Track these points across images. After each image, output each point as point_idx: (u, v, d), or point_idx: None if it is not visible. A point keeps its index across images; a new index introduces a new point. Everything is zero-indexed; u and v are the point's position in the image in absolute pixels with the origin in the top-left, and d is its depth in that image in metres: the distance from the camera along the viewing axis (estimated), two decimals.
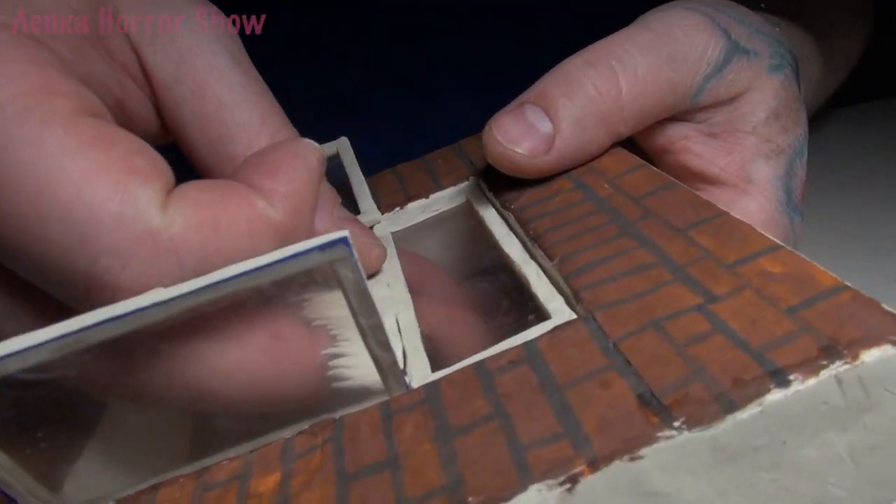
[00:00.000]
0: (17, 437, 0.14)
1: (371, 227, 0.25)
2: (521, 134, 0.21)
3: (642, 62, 0.22)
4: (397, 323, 0.19)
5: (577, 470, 0.12)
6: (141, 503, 0.15)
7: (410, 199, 0.26)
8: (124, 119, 0.20)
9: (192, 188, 0.16)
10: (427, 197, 0.26)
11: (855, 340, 0.12)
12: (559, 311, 0.17)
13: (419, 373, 0.17)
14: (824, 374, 0.12)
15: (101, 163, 0.14)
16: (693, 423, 0.12)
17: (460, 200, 0.25)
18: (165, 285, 0.14)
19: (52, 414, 0.15)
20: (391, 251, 0.23)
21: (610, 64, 0.22)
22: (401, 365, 0.16)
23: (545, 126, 0.21)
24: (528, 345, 0.15)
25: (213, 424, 0.16)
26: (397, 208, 0.26)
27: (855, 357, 0.12)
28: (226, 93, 0.20)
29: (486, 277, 0.24)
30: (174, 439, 0.17)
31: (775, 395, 0.12)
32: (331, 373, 0.16)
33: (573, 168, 0.22)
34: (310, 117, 0.24)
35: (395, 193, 0.27)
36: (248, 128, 0.20)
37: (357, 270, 0.13)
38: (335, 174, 0.28)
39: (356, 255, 0.13)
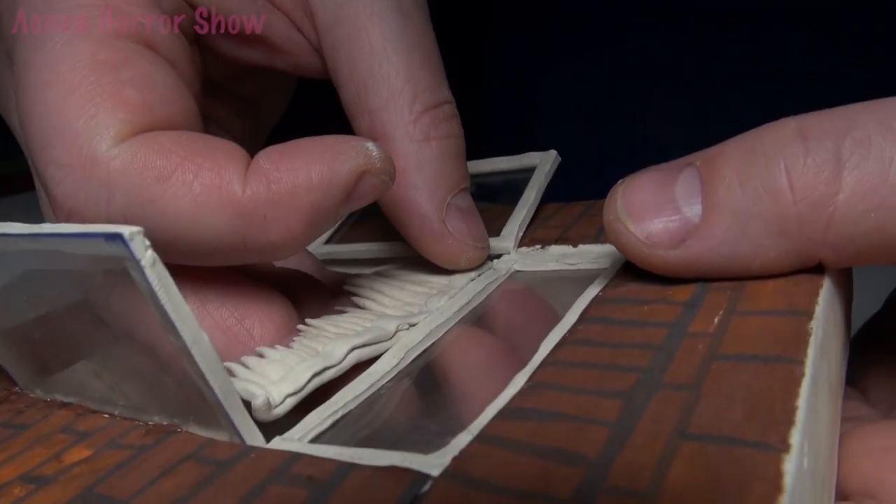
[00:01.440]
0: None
1: (497, 257, 0.21)
2: (651, 208, 0.15)
3: None
4: (346, 353, 0.15)
5: None
6: (41, 413, 0.16)
7: (560, 240, 0.21)
8: (266, 50, 0.20)
9: (171, 136, 0.15)
10: (575, 245, 0.21)
11: None
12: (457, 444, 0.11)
13: (300, 433, 0.14)
14: None
15: (94, 83, 0.15)
16: None
17: (605, 263, 0.19)
18: (90, 215, 0.15)
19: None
20: (490, 283, 0.19)
21: (837, 145, 0.13)
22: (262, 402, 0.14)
23: (691, 208, 0.14)
24: (343, 469, 0.11)
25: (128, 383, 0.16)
26: (538, 246, 0.21)
27: None
28: (380, 41, 0.18)
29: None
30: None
31: None
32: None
33: (717, 279, 0.15)
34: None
35: (556, 229, 0.22)
36: (390, 81, 0.18)
37: (145, 278, 0.11)
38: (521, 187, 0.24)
39: (144, 258, 0.11)
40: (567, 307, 0.16)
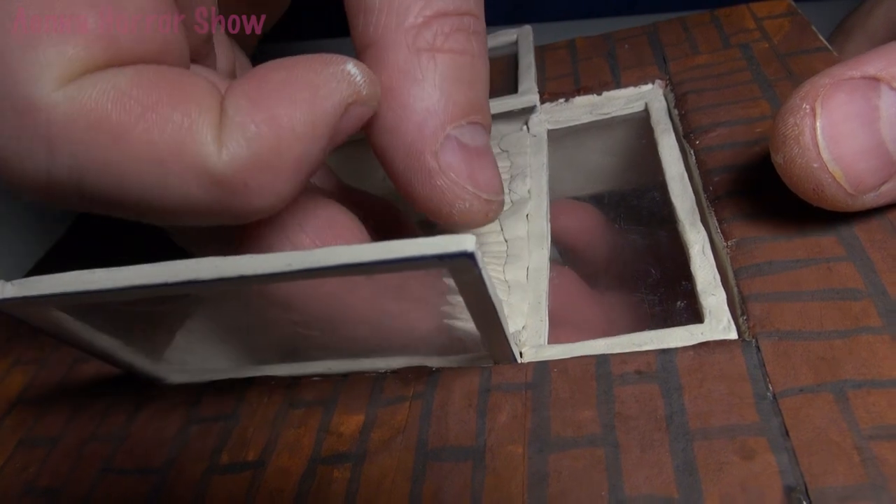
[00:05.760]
0: (121, 325, 0.14)
1: (528, 116, 0.22)
2: (864, 157, 0.13)
3: None
4: (526, 273, 0.16)
5: None
6: (232, 396, 0.15)
7: (580, 91, 0.22)
8: None
9: (132, 75, 0.12)
10: (599, 94, 0.22)
11: None
12: (716, 316, 0.14)
13: (533, 339, 0.15)
14: None
15: (44, 6, 0.12)
16: None
17: (637, 108, 0.21)
18: (28, 175, 0.12)
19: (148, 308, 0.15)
20: (541, 167, 0.20)
21: None
22: (514, 333, 0.15)
23: None
24: (664, 356, 0.13)
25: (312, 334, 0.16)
26: (561, 100, 0.22)
27: None
28: None
29: (642, 217, 0.21)
30: (270, 335, 0.16)
31: None
32: (443, 321, 0.15)
33: None
34: None
35: (564, 79, 0.23)
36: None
37: (481, 283, 0.11)
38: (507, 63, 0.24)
39: (483, 267, 0.11)
40: (632, 149, 0.18)
